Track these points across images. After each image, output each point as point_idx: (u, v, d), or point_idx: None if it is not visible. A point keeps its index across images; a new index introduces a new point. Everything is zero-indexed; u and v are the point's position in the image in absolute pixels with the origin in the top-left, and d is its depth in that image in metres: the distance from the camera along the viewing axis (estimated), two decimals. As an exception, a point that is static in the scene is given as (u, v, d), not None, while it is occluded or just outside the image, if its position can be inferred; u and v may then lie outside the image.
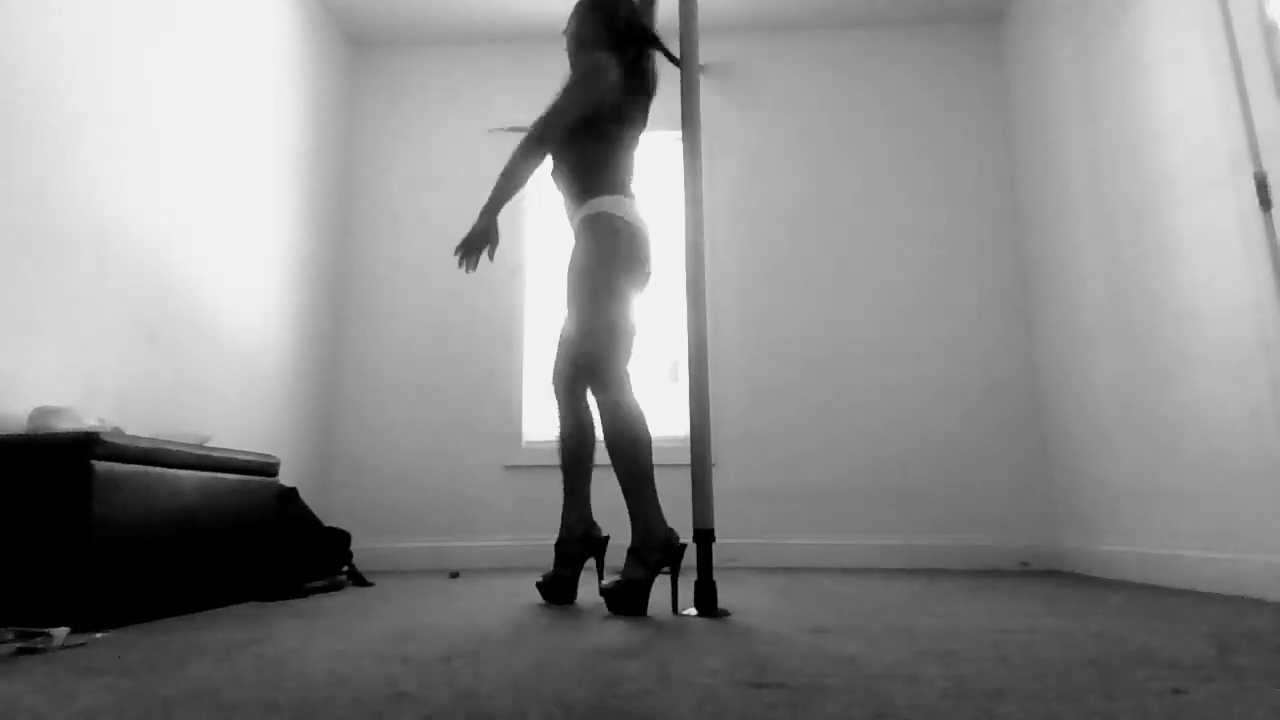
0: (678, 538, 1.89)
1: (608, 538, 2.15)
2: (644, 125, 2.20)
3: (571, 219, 2.10)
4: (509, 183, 2.00)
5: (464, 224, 3.66)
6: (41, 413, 1.81)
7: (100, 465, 1.67)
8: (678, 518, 3.29)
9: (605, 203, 2.01)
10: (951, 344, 3.44)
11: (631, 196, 2.07)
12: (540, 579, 2.10)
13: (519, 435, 3.49)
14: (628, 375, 1.95)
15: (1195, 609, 1.78)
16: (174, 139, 2.53)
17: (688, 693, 0.98)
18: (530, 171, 2.03)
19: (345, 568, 2.64)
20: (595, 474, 2.18)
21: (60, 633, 1.41)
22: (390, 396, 3.56)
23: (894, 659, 1.18)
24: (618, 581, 1.82)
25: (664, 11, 3.67)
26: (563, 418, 2.13)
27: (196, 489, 2.00)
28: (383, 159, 3.80)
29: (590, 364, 1.94)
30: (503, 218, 3.49)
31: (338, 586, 2.52)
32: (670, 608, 1.84)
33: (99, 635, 1.54)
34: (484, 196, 2.20)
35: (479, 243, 2.02)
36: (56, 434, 1.69)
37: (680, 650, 1.29)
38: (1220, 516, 2.18)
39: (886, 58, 3.73)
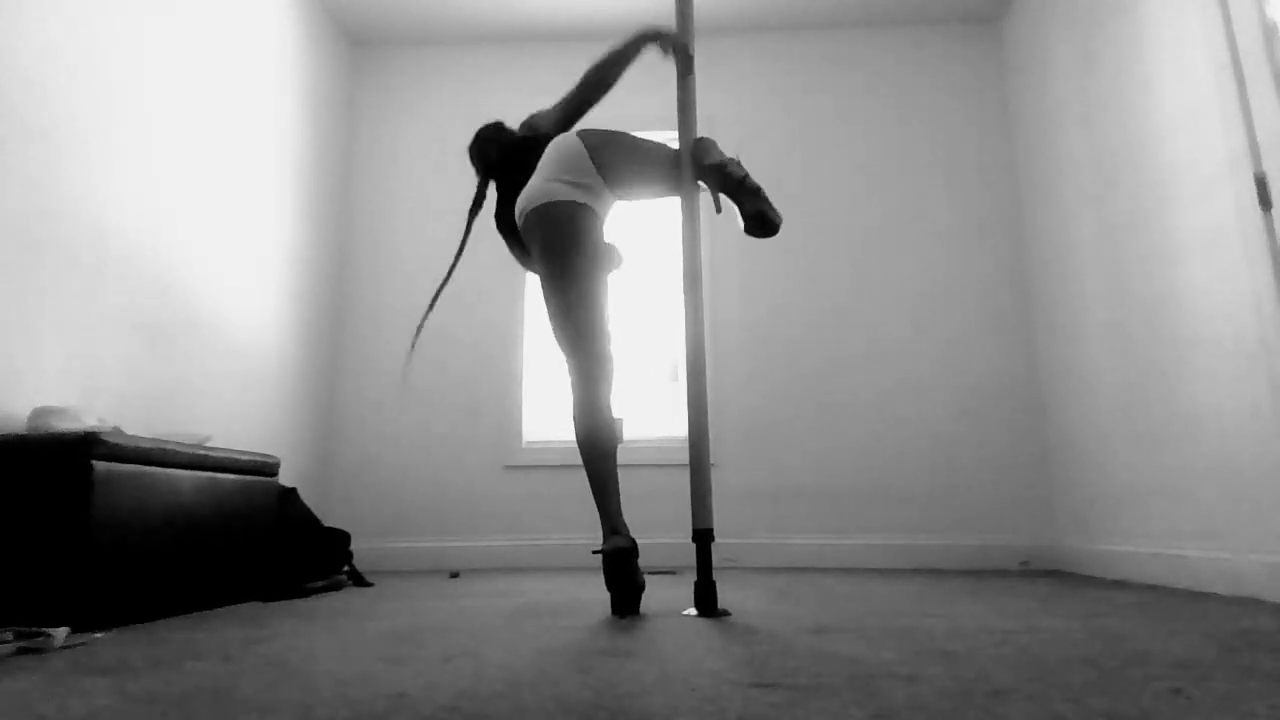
0: (615, 543, 1.74)
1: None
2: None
3: None
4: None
5: (463, 224, 3.66)
6: (41, 413, 1.81)
7: (100, 465, 1.67)
8: (678, 517, 3.31)
9: None
10: (952, 344, 3.44)
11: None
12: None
13: (519, 435, 3.49)
14: (571, 369, 1.94)
15: (1195, 609, 1.78)
16: (173, 139, 2.53)
17: (688, 693, 0.98)
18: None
19: (345, 568, 2.64)
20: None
21: (60, 633, 1.41)
22: (390, 396, 3.56)
23: (894, 659, 1.18)
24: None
25: (662, 11, 3.68)
26: None
27: (196, 489, 2.00)
28: (382, 159, 3.80)
29: None
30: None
31: (338, 587, 2.52)
32: (674, 608, 1.84)
33: (99, 635, 1.54)
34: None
35: None
36: (56, 434, 1.69)
37: (680, 650, 1.29)
38: (1220, 516, 2.18)
39: (886, 58, 3.73)
